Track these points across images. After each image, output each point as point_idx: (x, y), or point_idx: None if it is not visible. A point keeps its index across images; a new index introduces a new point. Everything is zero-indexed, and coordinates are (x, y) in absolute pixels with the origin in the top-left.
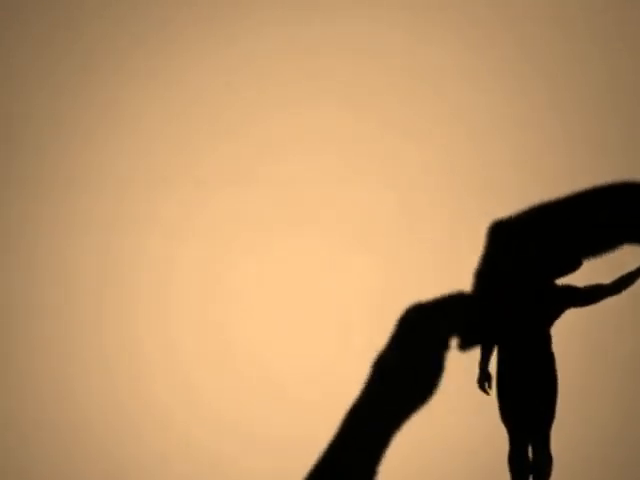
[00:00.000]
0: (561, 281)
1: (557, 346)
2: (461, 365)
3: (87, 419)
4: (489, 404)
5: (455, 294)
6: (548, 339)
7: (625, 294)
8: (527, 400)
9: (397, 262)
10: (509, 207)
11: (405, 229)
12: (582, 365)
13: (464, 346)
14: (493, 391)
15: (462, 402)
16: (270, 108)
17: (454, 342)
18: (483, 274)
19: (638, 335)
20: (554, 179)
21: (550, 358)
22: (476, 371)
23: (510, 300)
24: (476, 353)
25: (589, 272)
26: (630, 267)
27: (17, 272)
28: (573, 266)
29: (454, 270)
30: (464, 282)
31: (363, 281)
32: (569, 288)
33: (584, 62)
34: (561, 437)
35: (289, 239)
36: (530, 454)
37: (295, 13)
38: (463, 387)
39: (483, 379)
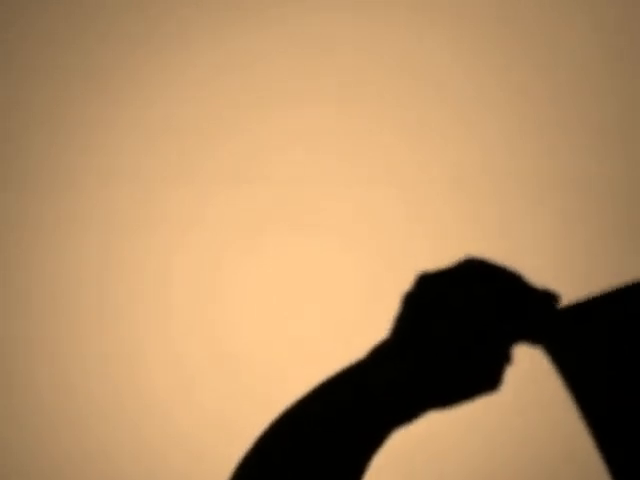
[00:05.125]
0: None
1: None
2: None
3: (87, 419)
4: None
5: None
6: None
7: None
8: None
9: (398, 262)
10: (509, 207)
11: (406, 229)
12: None
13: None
14: None
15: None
16: (270, 108)
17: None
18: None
19: None
20: (554, 178)
21: None
22: None
23: None
24: None
25: None
26: None
27: (16, 272)
28: None
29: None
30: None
31: (365, 282)
32: None
33: (587, 61)
34: None
35: (290, 239)
36: None
37: (295, 12)
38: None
39: None
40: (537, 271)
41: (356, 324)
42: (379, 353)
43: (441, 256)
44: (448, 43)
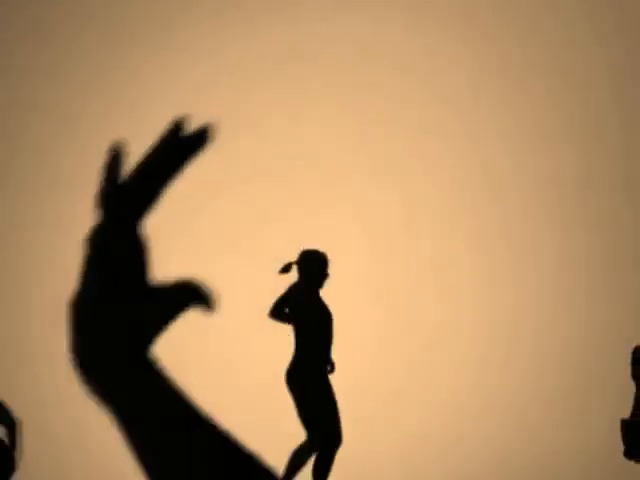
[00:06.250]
0: None
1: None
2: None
3: (87, 419)
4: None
5: None
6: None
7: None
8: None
9: (398, 262)
10: (509, 205)
11: (406, 227)
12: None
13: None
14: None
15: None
16: (270, 108)
17: None
18: None
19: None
20: (554, 178)
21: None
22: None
23: None
24: None
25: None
26: None
27: (17, 272)
28: None
29: (454, 267)
30: (463, 278)
31: (365, 281)
32: None
33: (587, 62)
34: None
35: (290, 239)
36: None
37: (295, 14)
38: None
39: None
40: (537, 270)
41: (356, 322)
42: None
43: (441, 256)
44: (448, 44)
